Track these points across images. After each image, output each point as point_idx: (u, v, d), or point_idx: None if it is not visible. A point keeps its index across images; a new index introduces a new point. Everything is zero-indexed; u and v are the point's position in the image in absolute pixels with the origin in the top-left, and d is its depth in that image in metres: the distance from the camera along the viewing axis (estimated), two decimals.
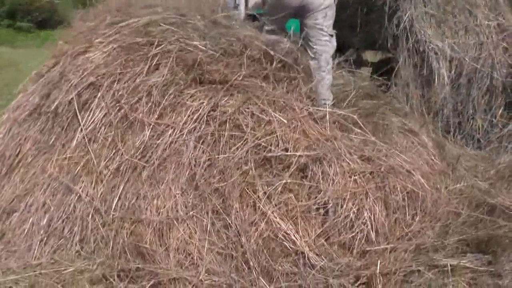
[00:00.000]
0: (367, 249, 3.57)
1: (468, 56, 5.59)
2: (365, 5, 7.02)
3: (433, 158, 4.50)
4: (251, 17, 5.79)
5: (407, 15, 5.68)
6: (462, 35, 5.74)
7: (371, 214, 3.69)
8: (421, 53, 5.67)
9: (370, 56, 7.92)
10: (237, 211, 3.60)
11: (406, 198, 3.84)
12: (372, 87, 5.25)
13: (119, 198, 3.77)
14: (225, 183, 3.68)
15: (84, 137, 4.00)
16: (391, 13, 5.84)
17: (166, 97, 4.00)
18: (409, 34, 5.69)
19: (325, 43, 4.82)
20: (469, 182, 4.30)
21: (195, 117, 3.91)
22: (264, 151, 3.80)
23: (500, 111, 5.68)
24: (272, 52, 4.30)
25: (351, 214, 3.67)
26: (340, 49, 6.31)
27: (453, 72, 5.59)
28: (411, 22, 5.67)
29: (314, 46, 4.78)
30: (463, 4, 5.86)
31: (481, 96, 5.67)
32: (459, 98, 5.65)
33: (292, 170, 3.75)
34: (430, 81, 5.64)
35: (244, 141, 3.83)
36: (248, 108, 3.98)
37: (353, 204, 3.70)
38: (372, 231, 3.65)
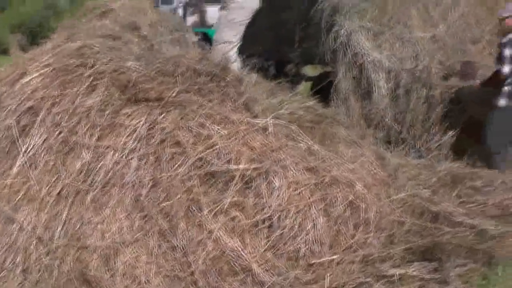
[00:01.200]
0: (313, 261, 3.58)
1: (405, 67, 5.70)
2: (303, 21, 7.12)
3: (374, 169, 4.55)
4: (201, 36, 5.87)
5: (344, 29, 5.76)
6: (398, 46, 5.85)
7: (313, 225, 3.70)
8: (359, 66, 5.76)
9: (310, 70, 8.01)
10: (184, 231, 3.57)
11: (348, 209, 3.88)
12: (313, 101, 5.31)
13: (63, 224, 3.69)
14: (170, 202, 3.64)
15: (25, 163, 3.92)
16: (328, 27, 5.92)
17: (104, 118, 3.96)
18: (347, 48, 5.77)
19: None
20: (412, 191, 4.37)
21: (134, 137, 3.88)
22: (207, 166, 3.79)
23: (439, 120, 5.81)
24: (197, 67, 4.35)
25: (296, 226, 3.68)
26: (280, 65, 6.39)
27: (391, 83, 5.69)
28: (349, 36, 5.76)
29: None
30: (398, 16, 5.99)
31: (420, 106, 5.79)
32: (398, 108, 5.75)
33: (237, 183, 3.73)
34: (370, 93, 5.73)
35: (185, 157, 3.80)
36: (186, 124, 3.96)
37: (297, 216, 3.71)
38: (316, 242, 3.66)
